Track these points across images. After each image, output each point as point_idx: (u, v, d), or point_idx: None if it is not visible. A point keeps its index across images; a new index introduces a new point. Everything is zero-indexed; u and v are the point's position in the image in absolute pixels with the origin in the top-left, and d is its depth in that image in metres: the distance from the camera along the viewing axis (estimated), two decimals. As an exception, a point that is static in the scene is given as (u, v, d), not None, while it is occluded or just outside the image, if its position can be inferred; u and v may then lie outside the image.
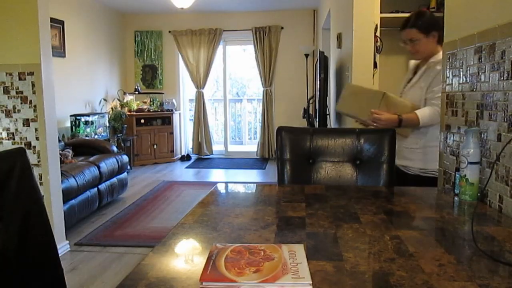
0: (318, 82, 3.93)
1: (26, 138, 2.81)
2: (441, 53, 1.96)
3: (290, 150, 1.74)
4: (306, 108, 5.25)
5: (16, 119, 2.80)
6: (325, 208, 1.25)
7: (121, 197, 4.46)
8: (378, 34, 2.72)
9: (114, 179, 4.21)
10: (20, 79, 2.76)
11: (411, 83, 2.06)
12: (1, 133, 2.85)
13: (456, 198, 1.38)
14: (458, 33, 1.61)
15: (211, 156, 7.11)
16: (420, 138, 1.96)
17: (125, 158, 4.53)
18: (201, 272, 0.76)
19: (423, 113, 1.89)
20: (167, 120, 6.62)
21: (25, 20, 2.67)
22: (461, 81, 1.58)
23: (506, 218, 1.17)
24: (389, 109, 1.90)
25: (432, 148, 1.93)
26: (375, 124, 1.90)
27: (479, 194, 1.32)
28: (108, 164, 4.08)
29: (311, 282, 0.73)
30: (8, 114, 2.81)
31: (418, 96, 1.98)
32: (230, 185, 1.69)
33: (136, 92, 6.61)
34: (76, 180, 3.42)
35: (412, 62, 2.19)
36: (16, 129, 2.81)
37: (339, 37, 3.59)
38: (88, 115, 5.32)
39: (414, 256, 0.87)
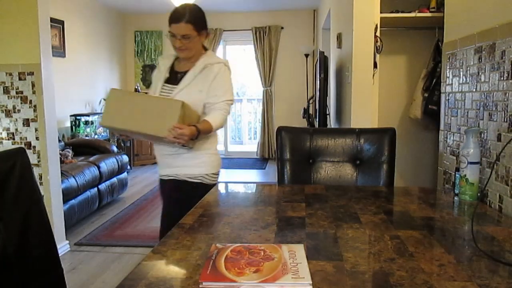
0: (318, 82, 3.93)
1: (26, 138, 2.81)
2: (210, 53, 1.87)
3: (290, 150, 1.74)
4: (306, 108, 5.25)
5: (16, 119, 2.80)
6: (325, 208, 1.25)
7: (121, 197, 4.46)
8: (378, 34, 2.72)
9: (114, 179, 4.21)
10: (20, 79, 2.76)
11: (181, 85, 1.80)
12: (1, 133, 2.85)
13: (456, 198, 1.38)
14: (458, 33, 1.61)
15: (211, 156, 7.10)
16: (192, 142, 1.75)
17: (125, 158, 4.52)
18: (201, 272, 0.76)
19: (214, 119, 1.75)
20: (167, 120, 6.61)
21: (25, 20, 2.67)
22: (461, 81, 1.58)
23: (506, 218, 1.17)
24: (185, 120, 1.64)
25: (202, 152, 1.83)
26: (177, 141, 1.62)
27: (479, 194, 1.32)
28: (108, 164, 4.07)
29: (311, 282, 0.73)
30: (8, 114, 2.81)
31: (195, 99, 1.77)
32: (230, 185, 1.70)
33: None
34: (76, 180, 3.42)
35: (164, 61, 1.92)
36: (16, 129, 2.81)
37: (339, 37, 3.59)
38: (88, 115, 5.32)
39: (414, 256, 0.87)
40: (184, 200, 1.70)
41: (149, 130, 1.65)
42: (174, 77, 1.84)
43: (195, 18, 1.77)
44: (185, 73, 1.82)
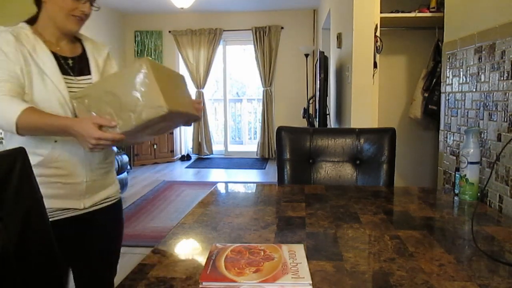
0: (318, 82, 3.93)
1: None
2: None
3: (290, 150, 1.74)
4: (306, 108, 5.25)
5: (16, 119, 2.80)
6: (325, 208, 1.25)
7: (121, 197, 4.46)
8: (378, 34, 2.72)
9: (114, 179, 4.21)
10: (20, 79, 2.76)
11: (94, 74, 1.37)
12: (1, 133, 2.85)
13: (456, 198, 1.38)
14: (458, 33, 1.61)
15: (211, 156, 7.10)
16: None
17: (125, 158, 4.52)
18: (201, 272, 0.76)
19: None
20: (167, 120, 6.62)
21: (25, 20, 2.67)
22: (461, 81, 1.58)
23: (506, 218, 1.17)
24: None
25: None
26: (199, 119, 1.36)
27: (479, 194, 1.32)
28: (108, 164, 4.07)
29: (311, 282, 0.73)
30: (8, 114, 2.80)
31: None
32: (230, 185, 1.69)
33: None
34: (76, 180, 3.42)
35: (23, 41, 1.14)
36: (16, 129, 2.81)
37: (339, 37, 3.59)
38: (88, 115, 5.31)
39: (414, 256, 0.87)
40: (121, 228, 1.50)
41: (191, 110, 1.25)
42: (64, 65, 1.24)
43: None
44: (77, 58, 1.30)
